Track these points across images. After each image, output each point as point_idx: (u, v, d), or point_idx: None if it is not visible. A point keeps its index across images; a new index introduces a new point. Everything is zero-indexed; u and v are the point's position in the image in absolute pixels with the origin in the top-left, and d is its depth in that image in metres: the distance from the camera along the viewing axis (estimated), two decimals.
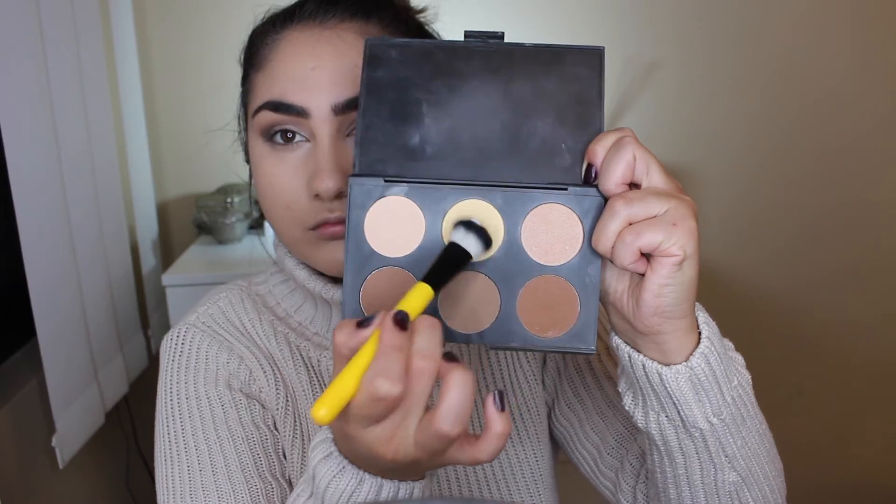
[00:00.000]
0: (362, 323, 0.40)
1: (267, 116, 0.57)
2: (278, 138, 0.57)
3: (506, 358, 0.69)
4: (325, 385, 0.64)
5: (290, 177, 0.57)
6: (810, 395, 1.89)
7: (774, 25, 1.65)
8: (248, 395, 0.62)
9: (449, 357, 0.40)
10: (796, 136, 1.71)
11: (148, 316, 1.52)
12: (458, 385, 0.38)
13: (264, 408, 0.62)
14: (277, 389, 0.63)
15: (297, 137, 0.57)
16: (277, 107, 0.56)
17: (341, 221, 0.56)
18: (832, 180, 1.74)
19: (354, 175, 0.46)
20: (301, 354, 0.65)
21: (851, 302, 1.82)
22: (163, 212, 1.64)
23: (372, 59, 0.48)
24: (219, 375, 0.62)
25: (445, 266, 0.43)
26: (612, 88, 1.64)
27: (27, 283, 1.05)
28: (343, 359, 0.40)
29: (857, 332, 1.84)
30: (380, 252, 0.46)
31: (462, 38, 0.48)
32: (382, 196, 0.46)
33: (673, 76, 1.66)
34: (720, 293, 1.79)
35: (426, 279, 0.42)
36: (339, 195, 0.55)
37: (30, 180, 1.07)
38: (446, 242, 0.45)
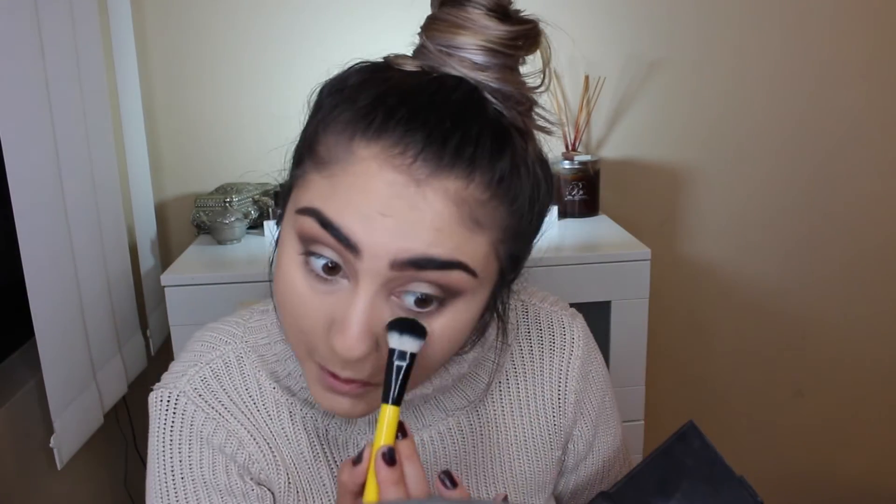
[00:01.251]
0: (356, 460, 0.48)
1: (312, 227, 0.47)
2: (319, 269, 0.48)
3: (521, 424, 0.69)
4: (335, 455, 0.63)
5: (313, 303, 0.49)
6: (811, 394, 1.89)
7: (776, 24, 1.64)
8: (248, 477, 0.61)
9: (447, 479, 0.49)
10: (797, 136, 1.71)
11: (147, 316, 1.52)
12: None
13: (263, 486, 0.61)
14: (278, 471, 0.61)
15: (338, 272, 0.48)
16: (327, 226, 0.46)
17: (350, 382, 0.50)
18: (834, 180, 1.74)
19: (606, 493, 0.58)
20: (305, 427, 0.62)
21: (853, 302, 1.82)
22: (161, 211, 1.63)
23: (682, 437, 0.61)
24: (216, 460, 0.60)
25: (399, 379, 0.48)
26: (612, 88, 1.64)
27: (25, 284, 1.05)
28: (351, 493, 0.48)
29: (858, 332, 1.84)
30: None
31: None
32: None
33: (673, 76, 1.66)
34: (721, 292, 1.79)
35: (388, 401, 0.48)
36: (361, 359, 0.48)
37: (28, 180, 1.07)
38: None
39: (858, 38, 1.66)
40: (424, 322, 0.48)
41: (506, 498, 0.50)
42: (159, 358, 1.56)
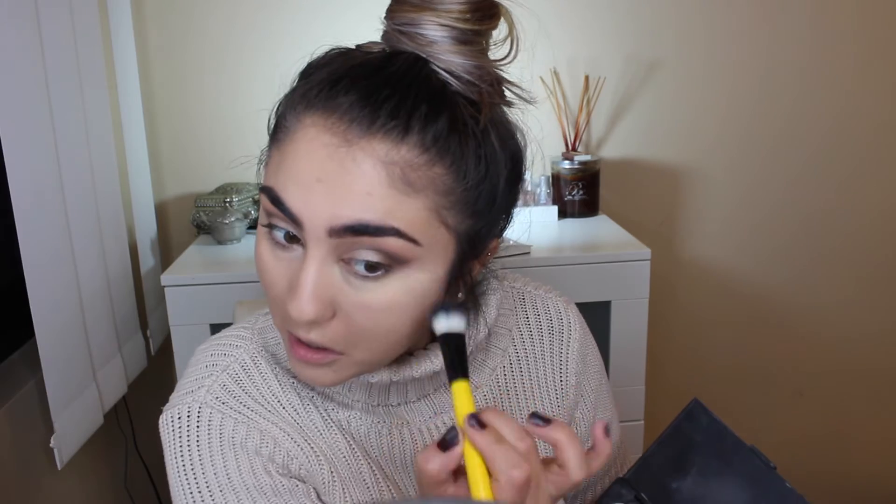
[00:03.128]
0: (444, 445, 0.46)
1: (267, 203, 0.50)
2: (281, 239, 0.51)
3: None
4: (362, 447, 0.61)
5: (276, 270, 0.52)
6: (812, 394, 1.89)
7: (776, 24, 1.64)
8: (288, 475, 0.58)
9: (538, 419, 0.48)
10: (798, 136, 1.71)
11: (147, 316, 1.52)
12: (568, 441, 0.47)
13: (305, 482, 0.59)
14: (320, 463, 0.59)
15: (297, 241, 0.51)
16: (275, 201, 0.49)
17: (312, 345, 0.52)
18: (835, 180, 1.74)
19: (623, 479, 0.59)
20: (331, 418, 0.61)
21: (853, 301, 1.82)
22: (161, 211, 1.63)
23: (689, 415, 0.61)
24: (254, 463, 0.57)
25: (456, 355, 0.48)
26: (612, 88, 1.64)
27: (25, 284, 1.05)
28: (441, 483, 0.45)
29: (859, 331, 1.84)
30: None
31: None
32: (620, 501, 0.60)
33: (673, 76, 1.66)
34: (721, 292, 1.79)
35: (455, 377, 0.48)
36: (314, 323, 0.50)
37: (28, 180, 1.07)
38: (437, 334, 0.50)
39: (860, 39, 1.66)
40: (372, 288, 0.50)
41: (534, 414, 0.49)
42: (159, 358, 1.56)
